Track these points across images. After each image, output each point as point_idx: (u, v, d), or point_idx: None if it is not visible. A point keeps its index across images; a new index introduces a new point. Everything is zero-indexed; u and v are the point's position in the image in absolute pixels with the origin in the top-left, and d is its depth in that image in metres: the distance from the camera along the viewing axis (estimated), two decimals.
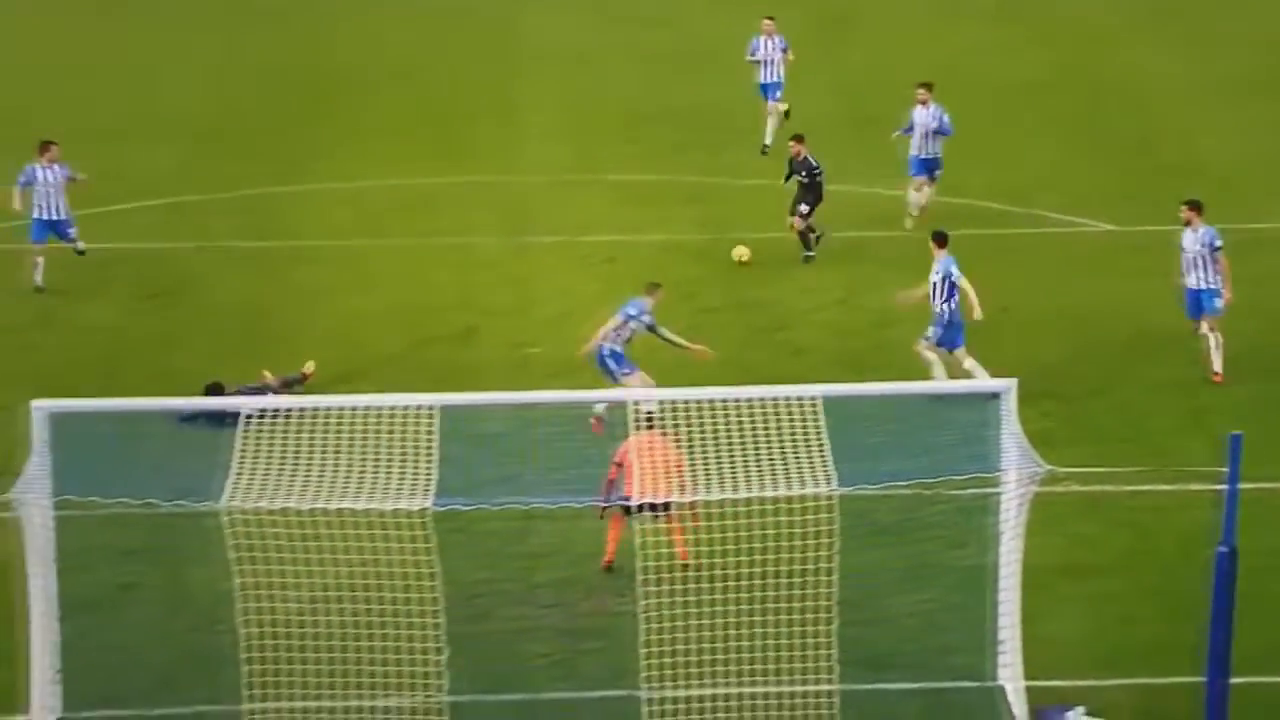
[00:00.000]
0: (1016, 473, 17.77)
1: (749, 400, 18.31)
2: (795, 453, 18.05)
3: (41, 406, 17.49)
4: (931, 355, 25.28)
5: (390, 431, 18.13)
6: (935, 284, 25.45)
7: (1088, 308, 28.75)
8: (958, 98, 40.81)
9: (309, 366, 25.68)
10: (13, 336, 27.64)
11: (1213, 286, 25.77)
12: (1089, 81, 42.99)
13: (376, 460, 18.21)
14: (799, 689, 17.65)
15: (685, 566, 18.90)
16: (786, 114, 37.01)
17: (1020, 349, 26.74)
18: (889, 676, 18.32)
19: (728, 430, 18.39)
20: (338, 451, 18.20)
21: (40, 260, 29.20)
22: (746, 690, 17.66)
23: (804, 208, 30.85)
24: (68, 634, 17.85)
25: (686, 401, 18.20)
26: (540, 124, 39.80)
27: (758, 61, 37.22)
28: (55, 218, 29.30)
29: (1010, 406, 17.91)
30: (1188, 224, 26.04)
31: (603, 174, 35.88)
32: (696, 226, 32.89)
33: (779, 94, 37.04)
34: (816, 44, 45.62)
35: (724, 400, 18.32)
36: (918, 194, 32.07)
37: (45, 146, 29.42)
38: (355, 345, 27.42)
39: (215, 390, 23.84)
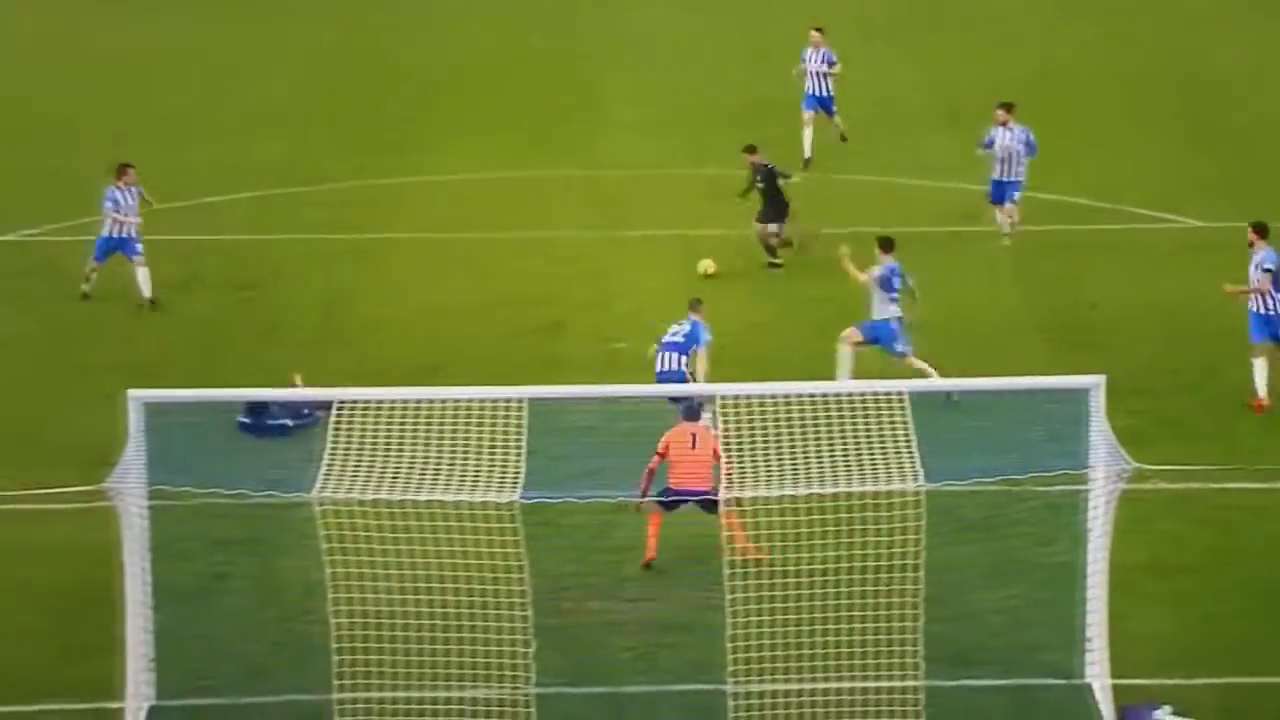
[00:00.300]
0: (1104, 470, 17.65)
1: (836, 395, 18.29)
2: (882, 448, 18.01)
3: (137, 396, 17.63)
4: (846, 354, 24.89)
5: (479, 424, 18.20)
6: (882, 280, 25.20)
7: (1176, 304, 28.50)
8: (1048, 93, 40.67)
9: (297, 379, 24.88)
10: (113, 328, 27.90)
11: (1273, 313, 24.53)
12: (1180, 76, 42.59)
13: (465, 452, 18.30)
14: (884, 685, 17.59)
15: (759, 561, 18.80)
16: (844, 137, 35.68)
17: (1108, 345, 26.55)
18: (975, 673, 18.24)
19: (815, 425, 18.37)
20: (427, 443, 18.29)
21: (94, 276, 28.62)
22: (832, 685, 17.61)
23: (773, 226, 29.89)
24: (162, 622, 18.02)
25: (774, 396, 18.17)
26: (630, 118, 39.81)
27: (806, 71, 35.66)
28: (125, 235, 28.58)
29: (1098, 403, 17.79)
30: (1250, 245, 24.87)
31: (692, 168, 35.84)
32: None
33: (834, 108, 35.65)
34: (908, 36, 45.51)
35: (811, 395, 18.30)
36: (1003, 215, 30.86)
37: (123, 170, 28.87)
38: (443, 338, 27.53)
39: (258, 410, 23.62)
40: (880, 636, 17.77)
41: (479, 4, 50.63)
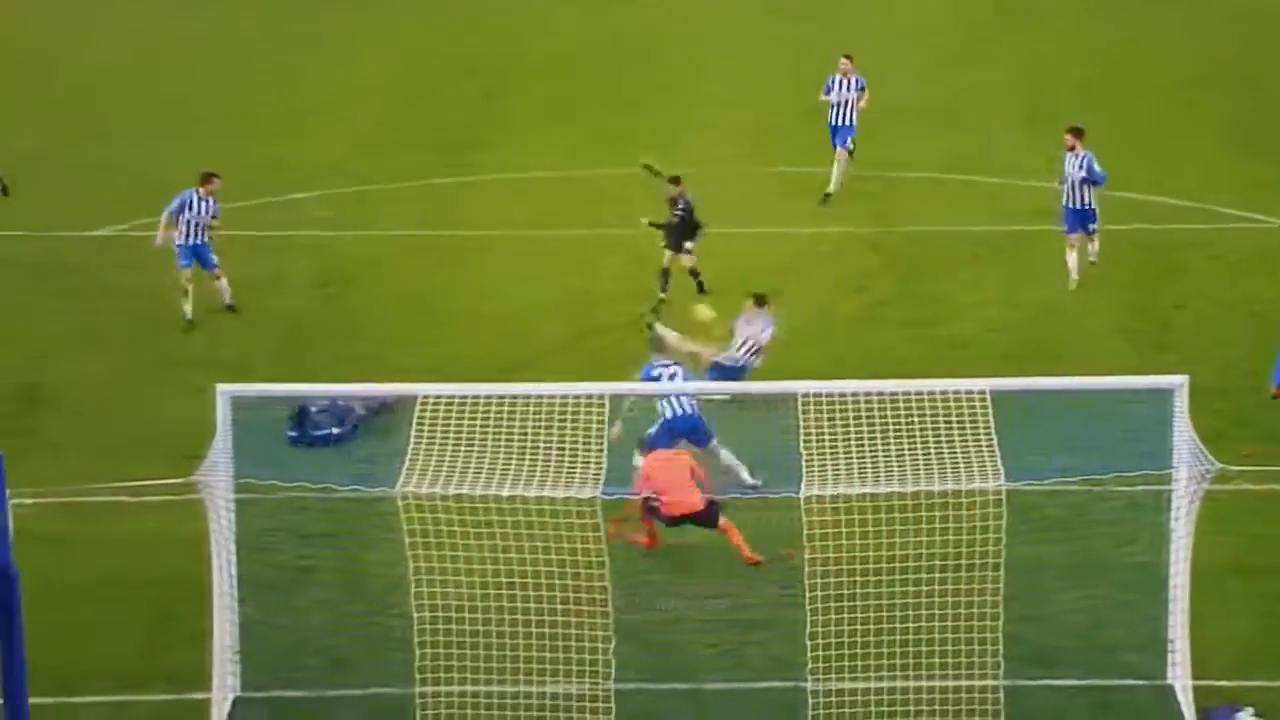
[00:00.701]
0: (1187, 470, 17.52)
1: (917, 394, 18.22)
2: (963, 447, 17.92)
3: (225, 391, 17.76)
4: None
5: (560, 420, 18.24)
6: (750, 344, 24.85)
7: (1262, 304, 28.24)
8: (1118, 92, 40.41)
9: None
10: (199, 323, 28.07)
11: None
12: (1252, 76, 42.20)
13: (546, 448, 18.34)
14: (964, 683, 17.53)
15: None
16: (850, 153, 33.42)
17: (1192, 345, 26.34)
18: (1055, 673, 18.15)
19: (895, 424, 18.30)
20: (508, 439, 18.34)
21: (189, 286, 27.74)
22: (911, 684, 17.56)
23: (689, 244, 28.89)
24: (248, 615, 18.16)
25: (855, 394, 18.12)
26: (707, 115, 39.80)
27: (831, 102, 33.55)
28: (201, 243, 27.89)
29: (1182, 403, 17.66)
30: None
31: (770, 165, 35.80)
32: (866, 219, 32.74)
33: (850, 140, 33.28)
34: (986, 36, 45.30)
35: (892, 393, 18.24)
36: (1073, 254, 28.68)
37: (208, 178, 28.10)
38: (523, 334, 27.59)
39: (300, 423, 23.56)
40: (960, 635, 17.70)
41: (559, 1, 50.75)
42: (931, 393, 18.14)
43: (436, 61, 44.54)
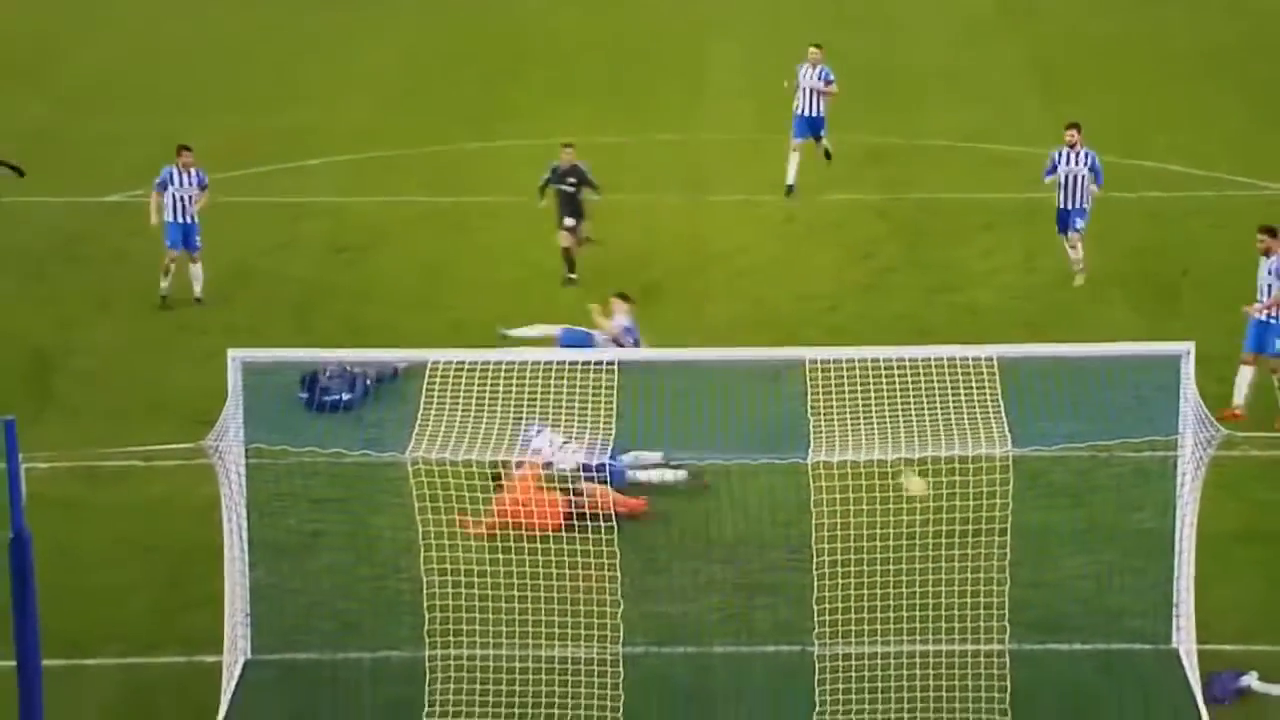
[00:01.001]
0: (1193, 436, 17.50)
1: (924, 360, 18.21)
2: (970, 413, 17.92)
3: (237, 355, 17.79)
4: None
5: (570, 386, 18.26)
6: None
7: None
8: (1143, 62, 40.28)
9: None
10: (211, 288, 28.10)
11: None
12: (1274, 45, 42.04)
13: (557, 415, 18.37)
14: (970, 648, 17.54)
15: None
16: (828, 154, 32.28)
17: (1199, 312, 26.29)
18: (1061, 637, 18.15)
19: (903, 390, 18.30)
20: (519, 404, 18.36)
21: (173, 266, 27.35)
22: (918, 648, 17.58)
23: (569, 221, 28.20)
24: (259, 578, 18.21)
25: (863, 360, 18.12)
26: (724, 83, 39.74)
27: (797, 90, 32.24)
28: (188, 221, 27.48)
29: (1188, 369, 17.64)
30: (1267, 253, 22.91)
31: (784, 134, 35.71)
32: (876, 186, 32.70)
33: (823, 131, 32.10)
34: (1005, 4, 45.15)
35: (899, 359, 18.24)
36: (1074, 251, 27.73)
37: (180, 150, 27.69)
38: (537, 300, 27.58)
39: (311, 387, 23.47)
40: (966, 600, 17.71)
41: None
42: (939, 359, 18.14)
43: (459, 32, 44.47)
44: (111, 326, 26.90)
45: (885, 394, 18.21)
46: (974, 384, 17.96)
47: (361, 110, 37.72)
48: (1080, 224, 27.55)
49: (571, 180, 28.33)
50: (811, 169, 32.50)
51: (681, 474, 21.41)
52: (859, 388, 18.23)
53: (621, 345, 24.24)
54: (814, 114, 32.01)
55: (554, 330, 24.94)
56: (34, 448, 16.80)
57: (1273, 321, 22.95)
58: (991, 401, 17.76)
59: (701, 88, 39.40)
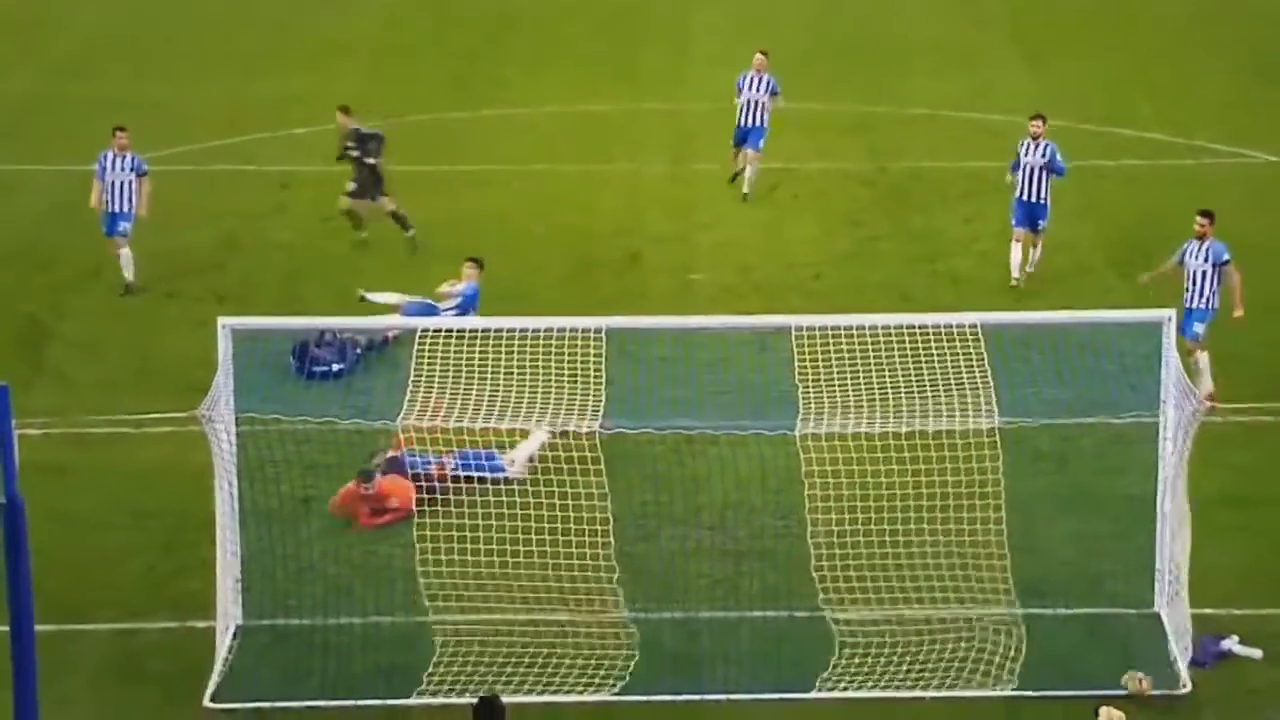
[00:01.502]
0: (1175, 403, 17.52)
1: (909, 327, 18.23)
2: (957, 380, 17.94)
3: (227, 324, 17.74)
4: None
5: (558, 354, 18.24)
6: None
7: (1248, 241, 28.09)
8: (1123, 29, 40.21)
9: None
10: (201, 256, 28.05)
11: (1202, 308, 22.62)
12: (1258, 10, 41.99)
13: (545, 382, 18.35)
14: (959, 613, 17.57)
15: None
16: (738, 182, 29.81)
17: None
18: (1047, 602, 18.18)
19: (889, 357, 18.32)
20: (508, 372, 18.35)
21: (120, 254, 26.31)
22: (907, 613, 17.61)
23: (351, 185, 27.62)
24: (250, 545, 18.19)
25: (849, 328, 18.12)
26: (710, 51, 39.62)
27: (739, 103, 30.03)
28: (116, 211, 26.38)
29: (1170, 337, 17.66)
30: (1202, 237, 22.82)
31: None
32: (861, 155, 32.66)
33: (760, 143, 29.80)
34: None
35: (885, 327, 18.25)
36: (1017, 250, 26.35)
37: (113, 132, 26.62)
38: (523, 268, 27.53)
39: (301, 356, 23.29)
40: (956, 567, 17.75)
41: None
42: (924, 326, 18.15)
43: (434, 7, 44.26)
44: (102, 294, 26.81)
45: (872, 362, 18.23)
46: (959, 351, 17.99)
47: (348, 78, 37.56)
48: (1041, 223, 26.45)
49: (349, 145, 27.94)
50: (797, 136, 32.42)
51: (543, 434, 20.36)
52: (845, 355, 18.25)
53: (462, 312, 23.77)
54: (753, 124, 29.93)
55: (401, 300, 24.46)
56: (27, 414, 16.74)
57: (1196, 308, 22.63)
58: (978, 368, 17.79)
59: (687, 55, 39.29)
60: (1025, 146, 26.62)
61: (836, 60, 38.70)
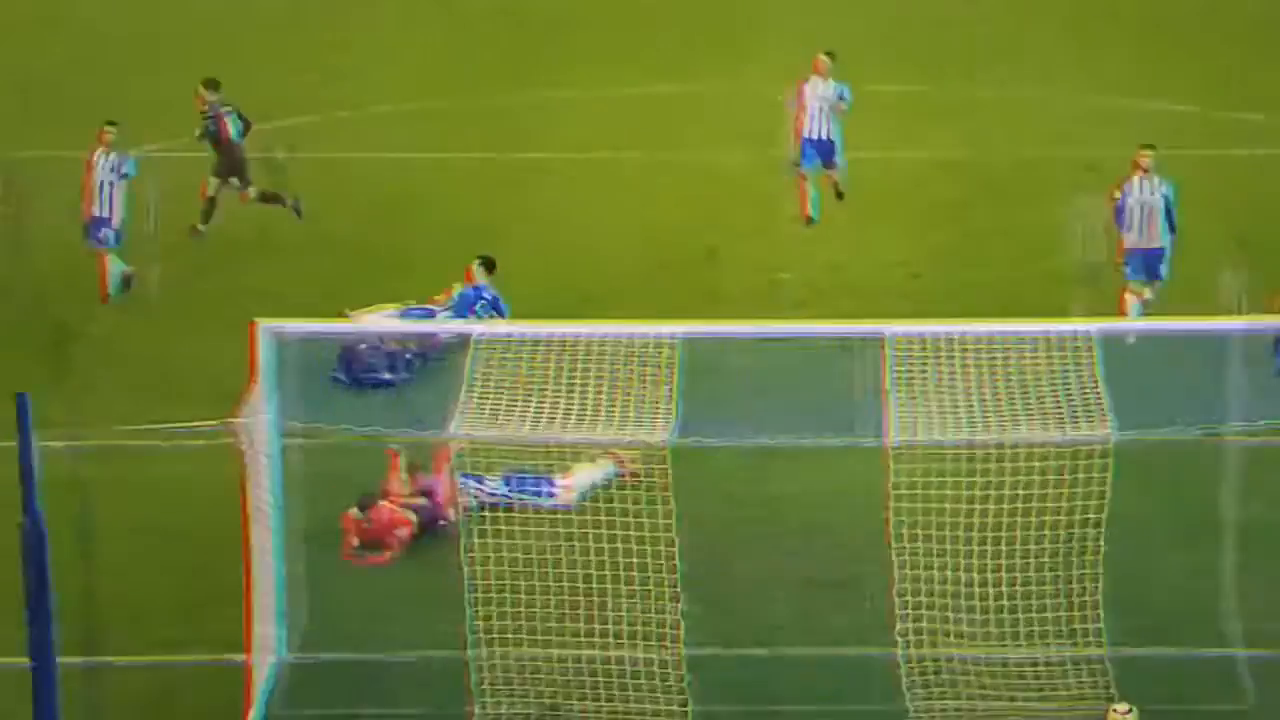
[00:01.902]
0: None
1: (1015, 336, 18.01)
2: (1066, 393, 17.72)
3: (268, 327, 17.63)
4: None
5: (627, 360, 18.08)
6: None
7: None
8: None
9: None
10: (236, 251, 28.04)
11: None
12: None
13: (613, 390, 18.18)
14: (1066, 654, 17.35)
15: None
16: (840, 194, 28.37)
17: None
18: (1161, 640, 17.91)
19: (991, 368, 18.10)
20: (571, 381, 18.20)
21: (105, 262, 26.24)
22: (1008, 654, 17.38)
23: (213, 179, 27.62)
24: (289, 570, 18.09)
25: (949, 336, 17.91)
26: (792, 33, 39.36)
27: (802, 112, 28.32)
28: (99, 214, 26.12)
29: None
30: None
31: (856, 85, 35.39)
32: (959, 142, 32.38)
33: (836, 157, 28.23)
34: None
35: (988, 336, 18.04)
36: (1140, 301, 24.58)
37: (101, 130, 26.43)
38: (592, 266, 27.41)
39: (349, 364, 23.34)
40: (1060, 600, 17.52)
41: None
42: (1032, 335, 17.92)
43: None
44: (133, 294, 26.80)
45: (971, 371, 18.02)
46: (1071, 361, 17.75)
47: (396, 64, 37.49)
48: (1163, 270, 24.68)
49: (210, 128, 27.88)
50: (878, 124, 32.05)
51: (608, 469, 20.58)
52: (944, 362, 18.02)
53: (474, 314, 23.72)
54: (824, 136, 28.12)
55: (395, 310, 24.49)
56: (51, 423, 16.71)
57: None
58: (1090, 381, 17.56)
59: (766, 37, 39.07)
60: (1132, 186, 24.71)
61: (932, 40, 38.37)
